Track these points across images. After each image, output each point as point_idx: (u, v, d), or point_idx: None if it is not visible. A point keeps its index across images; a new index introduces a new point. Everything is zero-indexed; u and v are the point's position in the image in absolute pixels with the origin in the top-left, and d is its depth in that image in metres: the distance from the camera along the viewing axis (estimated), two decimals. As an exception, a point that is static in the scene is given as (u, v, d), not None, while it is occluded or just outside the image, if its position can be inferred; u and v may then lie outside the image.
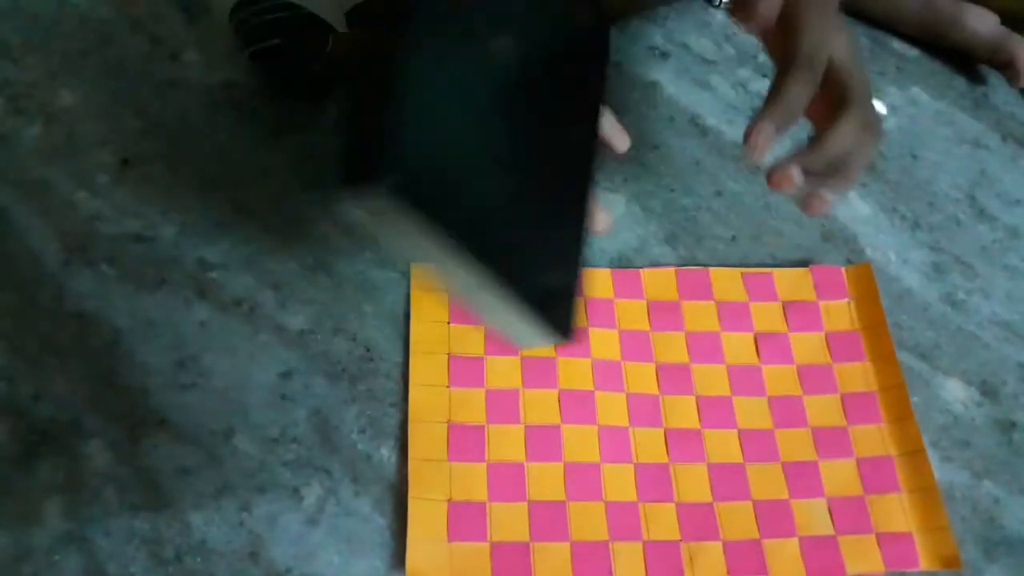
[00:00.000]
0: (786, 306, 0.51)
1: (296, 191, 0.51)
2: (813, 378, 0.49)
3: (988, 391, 0.50)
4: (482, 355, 0.47)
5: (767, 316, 0.51)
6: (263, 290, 0.48)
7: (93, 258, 0.48)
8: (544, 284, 0.34)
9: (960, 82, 0.64)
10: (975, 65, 0.65)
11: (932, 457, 0.47)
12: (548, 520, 0.42)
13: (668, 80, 0.60)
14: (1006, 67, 0.63)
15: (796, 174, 0.40)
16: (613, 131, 0.40)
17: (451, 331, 0.47)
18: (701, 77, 0.61)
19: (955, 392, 0.50)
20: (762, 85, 0.61)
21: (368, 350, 0.47)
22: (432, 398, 0.45)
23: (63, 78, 0.54)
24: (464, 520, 0.42)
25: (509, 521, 0.42)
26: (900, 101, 0.63)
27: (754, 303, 0.51)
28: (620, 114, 0.58)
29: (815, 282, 0.52)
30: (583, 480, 0.44)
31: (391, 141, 0.27)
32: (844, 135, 0.40)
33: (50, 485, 0.41)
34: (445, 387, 0.45)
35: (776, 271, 0.52)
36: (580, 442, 0.45)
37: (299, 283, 0.48)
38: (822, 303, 0.52)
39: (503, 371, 0.46)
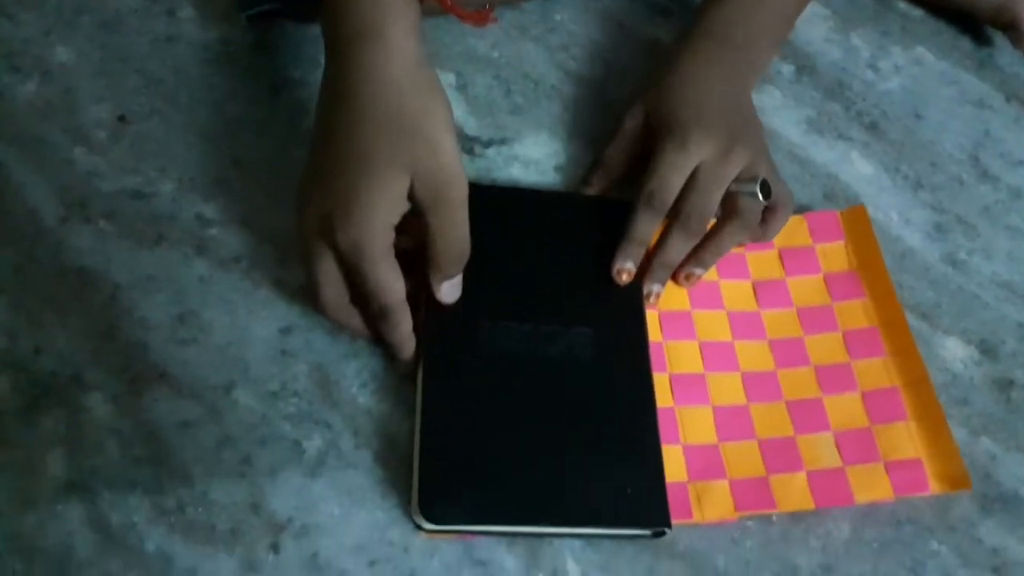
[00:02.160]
0: (782, 253, 0.51)
1: (294, 146, 0.51)
2: (813, 319, 0.49)
3: (987, 350, 0.50)
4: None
5: (764, 264, 0.51)
6: (262, 246, 0.48)
7: (91, 215, 0.48)
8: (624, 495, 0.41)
9: (965, 42, 0.64)
10: (980, 26, 0.64)
11: (930, 414, 0.47)
12: None
13: (669, 37, 0.60)
14: (1010, 28, 0.62)
15: (630, 270, 0.48)
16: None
17: None
18: (703, 35, 0.60)
19: (955, 351, 0.50)
20: (765, 44, 0.60)
21: (368, 306, 0.47)
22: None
23: (58, 34, 0.54)
24: None
25: None
26: (904, 61, 0.62)
27: (750, 252, 0.51)
28: (621, 72, 0.58)
29: (810, 228, 0.52)
30: None
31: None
32: (672, 245, 0.48)
33: (52, 437, 0.41)
34: None
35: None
36: None
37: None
38: (818, 246, 0.52)
39: None
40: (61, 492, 0.40)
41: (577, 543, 0.41)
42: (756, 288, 0.50)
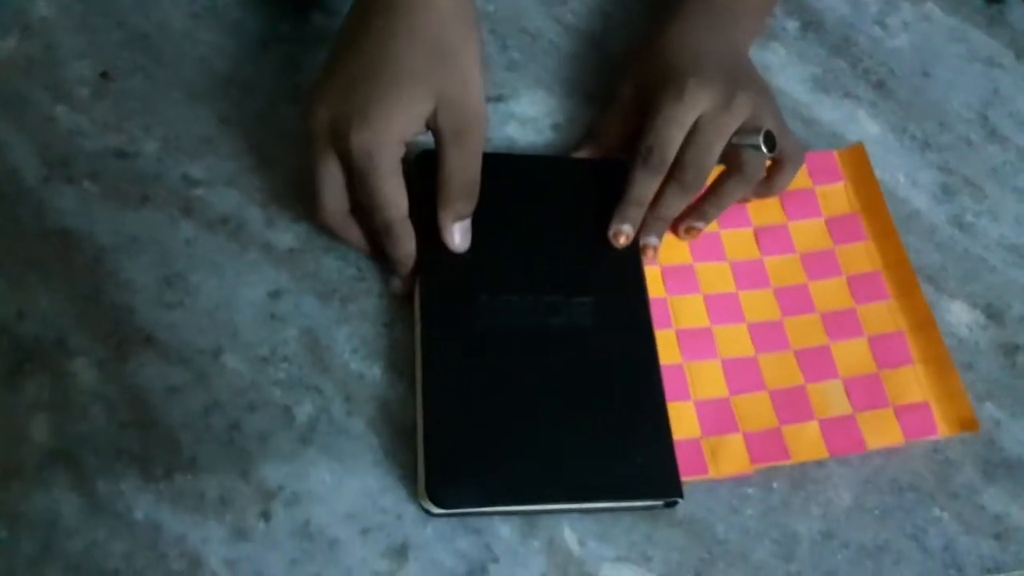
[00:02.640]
0: (783, 197, 0.50)
1: (283, 104, 0.49)
2: (817, 264, 0.49)
3: (993, 314, 0.49)
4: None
5: (764, 210, 0.50)
6: (250, 207, 0.46)
7: (74, 174, 0.46)
8: (635, 466, 0.40)
9: (976, -2, 0.62)
10: (992, -20, 0.62)
11: (934, 380, 0.47)
12: None
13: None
14: (1023, -17, 0.61)
15: (628, 233, 0.46)
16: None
17: None
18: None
19: (960, 315, 0.49)
20: None
21: (360, 270, 0.45)
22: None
23: (38, -13, 0.52)
24: None
25: None
26: (913, 17, 0.60)
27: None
28: (621, 26, 0.56)
29: (810, 169, 0.51)
30: None
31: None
32: (668, 199, 0.46)
33: (36, 403, 0.40)
34: None
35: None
36: None
37: (287, 200, 0.46)
38: (818, 188, 0.51)
39: None
40: (46, 459, 0.39)
41: (575, 511, 0.41)
42: (758, 235, 0.49)
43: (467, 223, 0.43)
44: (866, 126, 0.55)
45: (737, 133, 0.45)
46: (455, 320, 0.42)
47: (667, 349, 0.44)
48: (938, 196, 0.53)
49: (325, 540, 0.39)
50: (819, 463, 0.44)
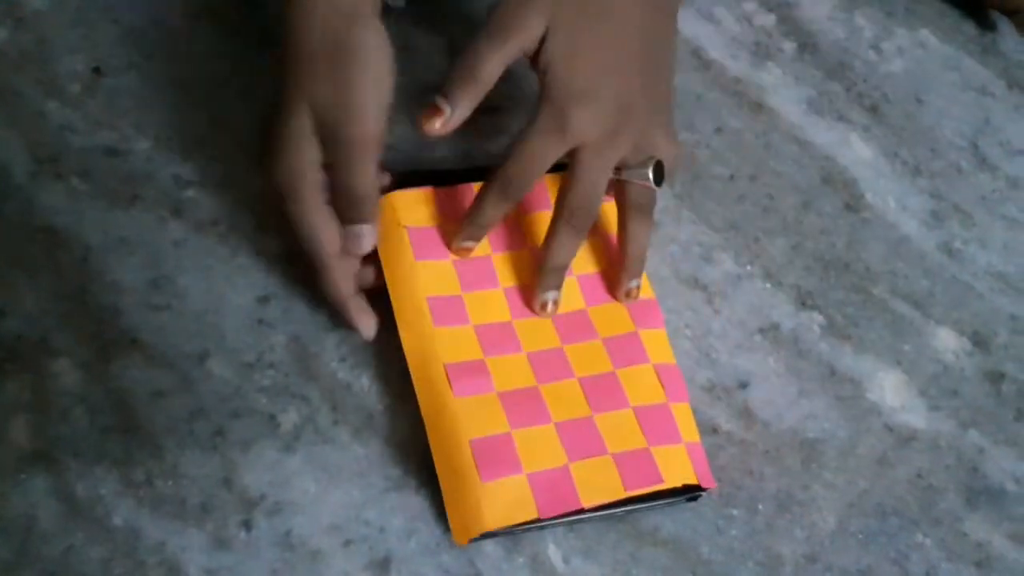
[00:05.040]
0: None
1: (277, 108, 0.49)
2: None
3: (979, 342, 0.50)
4: (459, 293, 0.44)
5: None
6: (241, 210, 0.46)
7: (63, 171, 0.45)
8: None
9: (969, 27, 0.63)
10: (985, 10, 0.63)
11: (920, 406, 0.47)
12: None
13: None
14: (1015, 14, 0.61)
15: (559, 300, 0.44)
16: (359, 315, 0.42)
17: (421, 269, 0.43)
18: (705, 9, 0.58)
19: (946, 341, 0.49)
20: (767, 20, 0.59)
21: (350, 277, 0.45)
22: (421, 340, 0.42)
23: (32, -20, 0.51)
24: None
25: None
26: (908, 43, 0.61)
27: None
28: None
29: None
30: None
31: None
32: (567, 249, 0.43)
33: (16, 403, 0.40)
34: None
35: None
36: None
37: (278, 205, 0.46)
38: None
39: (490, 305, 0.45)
40: (25, 461, 0.38)
41: (559, 528, 0.41)
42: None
43: (369, 226, 0.40)
44: (858, 150, 0.55)
45: (624, 167, 0.42)
46: None
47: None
48: (928, 222, 0.53)
49: (307, 551, 0.38)
50: (804, 485, 0.44)
